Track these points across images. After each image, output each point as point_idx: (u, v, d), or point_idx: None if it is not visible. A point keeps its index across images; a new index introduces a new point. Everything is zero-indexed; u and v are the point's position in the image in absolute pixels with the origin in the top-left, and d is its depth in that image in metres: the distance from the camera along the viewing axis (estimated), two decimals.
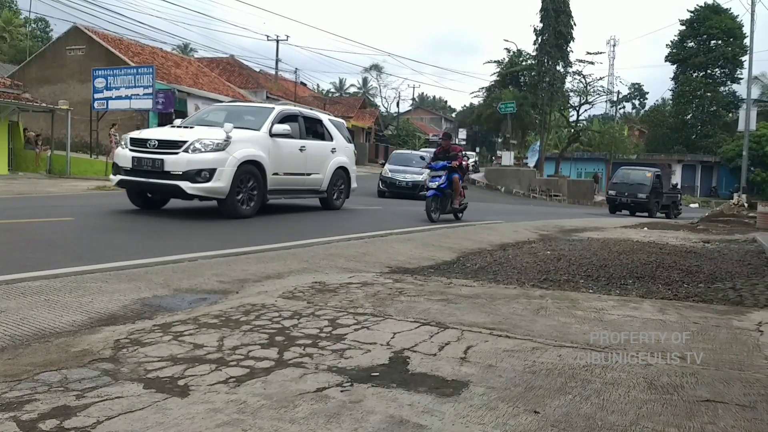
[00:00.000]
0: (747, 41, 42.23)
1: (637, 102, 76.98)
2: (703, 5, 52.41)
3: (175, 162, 8.58)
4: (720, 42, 51.56)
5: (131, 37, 32.98)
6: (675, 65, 54.19)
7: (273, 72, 43.17)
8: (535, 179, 34.41)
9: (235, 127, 9.10)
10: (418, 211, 12.22)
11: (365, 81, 75.19)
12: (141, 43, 31.65)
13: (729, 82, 52.99)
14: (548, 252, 7.59)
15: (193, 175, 8.54)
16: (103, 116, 23.93)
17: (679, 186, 33.71)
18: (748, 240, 10.53)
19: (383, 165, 24.61)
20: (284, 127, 9.83)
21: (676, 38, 54.17)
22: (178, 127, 10.35)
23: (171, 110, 25.25)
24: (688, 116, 53.33)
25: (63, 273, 4.70)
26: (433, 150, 14.16)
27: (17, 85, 23.98)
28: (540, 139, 41.42)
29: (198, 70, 34.15)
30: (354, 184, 12.47)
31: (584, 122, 48.24)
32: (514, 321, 3.89)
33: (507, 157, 37.61)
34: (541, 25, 36.76)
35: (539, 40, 36.97)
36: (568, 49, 37.59)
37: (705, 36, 52.23)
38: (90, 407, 2.28)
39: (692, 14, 52.79)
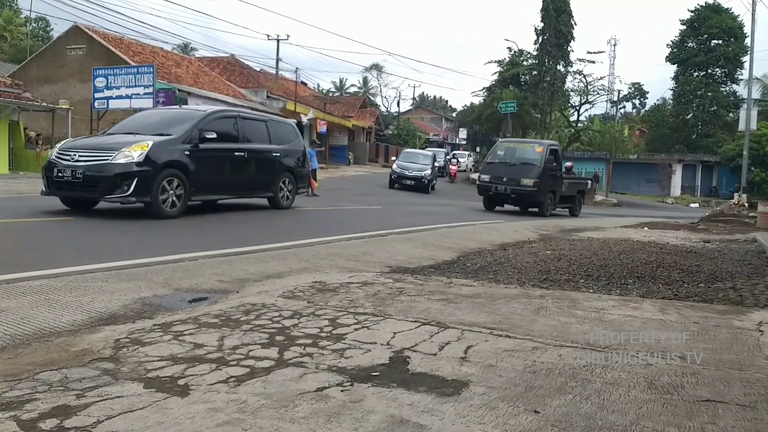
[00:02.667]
0: (747, 41, 42.26)
1: (637, 102, 76.97)
2: (703, 5, 52.37)
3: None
4: (720, 42, 51.52)
5: (132, 36, 32.96)
6: (675, 65, 54.15)
7: (273, 71, 43.16)
8: None
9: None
10: (423, 209, 12.22)
11: (366, 80, 75.24)
12: (141, 43, 31.63)
13: (729, 82, 52.94)
14: (548, 252, 7.58)
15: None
16: (103, 115, 23.93)
17: (595, 173, 29.53)
18: (748, 240, 10.52)
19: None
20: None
21: (676, 38, 54.15)
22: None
23: None
24: (689, 116, 53.29)
25: (63, 272, 4.70)
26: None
27: (18, 85, 23.97)
28: (540, 138, 41.42)
29: (198, 70, 34.15)
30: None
31: (585, 122, 48.27)
32: (515, 321, 3.89)
33: None
34: (541, 24, 36.78)
35: (540, 40, 36.99)
36: (569, 48, 37.62)
37: (705, 36, 52.18)
38: (90, 407, 2.28)
39: (693, 14, 52.76)
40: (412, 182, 25.66)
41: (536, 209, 16.39)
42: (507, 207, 17.25)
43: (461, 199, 23.91)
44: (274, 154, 11.13)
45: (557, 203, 17.05)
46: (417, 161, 27.27)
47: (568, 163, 21.64)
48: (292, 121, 13.29)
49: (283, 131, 11.72)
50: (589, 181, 21.60)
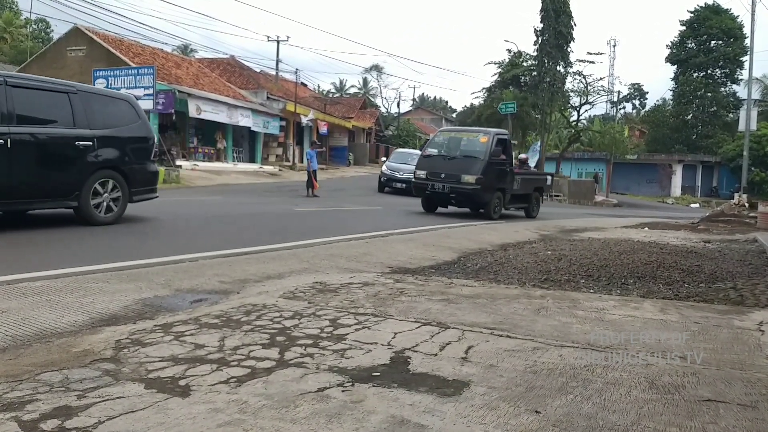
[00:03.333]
0: (747, 42, 42.28)
1: (637, 102, 76.94)
2: (703, 6, 52.41)
3: None
4: (720, 42, 51.55)
5: (132, 37, 32.95)
6: (675, 65, 54.18)
7: (273, 72, 43.16)
8: None
9: None
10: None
11: (366, 81, 75.22)
12: (141, 44, 31.64)
13: (729, 83, 52.96)
14: (549, 252, 7.58)
15: None
16: None
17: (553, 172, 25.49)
18: (748, 240, 10.52)
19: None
20: None
21: (676, 39, 54.18)
22: None
23: (171, 111, 25.27)
24: (689, 116, 53.31)
25: (64, 273, 4.70)
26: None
27: None
28: (540, 139, 41.37)
29: (198, 71, 34.16)
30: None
31: (585, 122, 48.24)
32: (515, 321, 3.89)
33: None
34: (541, 25, 36.73)
35: (539, 41, 36.94)
36: (569, 49, 37.56)
37: (705, 36, 52.21)
38: (91, 407, 2.28)
39: (692, 15, 52.79)
40: (404, 185, 21.51)
41: (482, 211, 13.61)
42: (512, 210, 15.57)
43: None
44: (79, 143, 7.58)
45: (509, 203, 14.38)
46: (410, 162, 22.53)
47: (522, 156, 18.92)
48: (128, 95, 9.61)
49: (105, 109, 8.14)
50: (549, 177, 17.46)
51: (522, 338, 3.47)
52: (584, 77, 40.36)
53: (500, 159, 13.47)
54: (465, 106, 75.90)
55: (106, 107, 8.21)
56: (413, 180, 14.20)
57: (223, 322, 3.57)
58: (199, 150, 29.84)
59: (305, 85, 48.69)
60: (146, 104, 22.05)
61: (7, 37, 48.15)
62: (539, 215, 16.00)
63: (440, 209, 14.26)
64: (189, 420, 2.19)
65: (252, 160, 33.82)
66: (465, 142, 13.98)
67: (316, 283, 4.91)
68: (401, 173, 23.02)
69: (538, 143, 42.49)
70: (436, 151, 14.09)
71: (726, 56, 50.82)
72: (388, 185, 23.60)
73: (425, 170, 13.58)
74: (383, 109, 68.64)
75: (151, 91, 21.80)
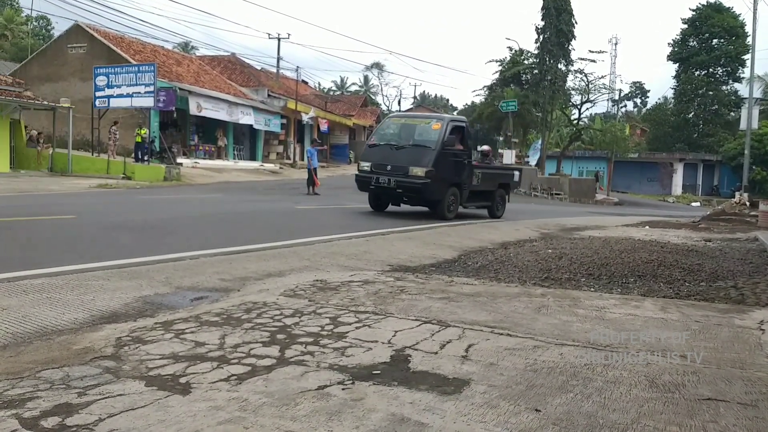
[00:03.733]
0: (749, 40, 42.13)
1: (638, 100, 76.83)
2: (705, 4, 52.30)
3: None
4: (722, 41, 51.44)
5: (133, 35, 32.92)
6: (677, 64, 54.10)
7: (274, 70, 43.13)
8: (536, 178, 34.37)
9: None
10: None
11: (367, 79, 75.14)
12: (142, 41, 31.62)
13: (731, 81, 52.85)
14: (549, 250, 7.58)
15: None
16: (104, 114, 23.93)
17: (528, 161, 23.67)
18: (749, 239, 10.51)
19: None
20: None
21: (677, 37, 54.09)
22: None
23: (172, 108, 25.26)
24: (690, 115, 53.23)
25: (65, 271, 4.71)
26: None
27: (19, 83, 23.98)
28: (541, 137, 41.36)
29: (199, 68, 34.15)
30: None
31: (586, 121, 48.21)
32: (516, 319, 3.89)
33: (508, 156, 37.58)
34: (542, 23, 36.70)
35: (541, 39, 36.92)
36: (570, 47, 37.53)
37: (707, 35, 52.11)
38: (92, 405, 2.28)
39: (694, 13, 52.70)
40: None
41: (435, 210, 11.79)
42: (512, 209, 14.45)
43: None
44: None
45: (468, 200, 12.48)
46: None
47: (485, 147, 16.63)
48: None
49: None
50: (516, 172, 15.07)
51: (522, 337, 3.47)
52: (585, 75, 40.35)
53: (456, 150, 11.70)
54: (466, 104, 75.80)
55: None
56: (356, 173, 12.41)
57: (223, 320, 3.57)
58: (200, 147, 29.85)
59: (306, 83, 48.65)
60: (147, 102, 22.08)
61: (8, 34, 48.14)
62: (520, 217, 14.12)
63: (393, 207, 12.61)
64: (189, 417, 2.20)
65: (253, 157, 33.82)
66: (415, 130, 12.01)
67: (317, 281, 4.91)
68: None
69: (539, 141, 42.47)
70: (383, 139, 12.18)
71: (728, 54, 50.73)
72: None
73: (370, 162, 11.86)
74: (384, 107, 68.54)
75: (151, 88, 21.78)
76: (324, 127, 38.06)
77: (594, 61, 45.38)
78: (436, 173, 11.08)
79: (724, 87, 52.81)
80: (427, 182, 10.99)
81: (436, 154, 11.16)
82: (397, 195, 11.84)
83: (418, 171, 11.06)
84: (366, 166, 11.94)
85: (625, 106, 72.20)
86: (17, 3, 54.58)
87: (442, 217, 11.41)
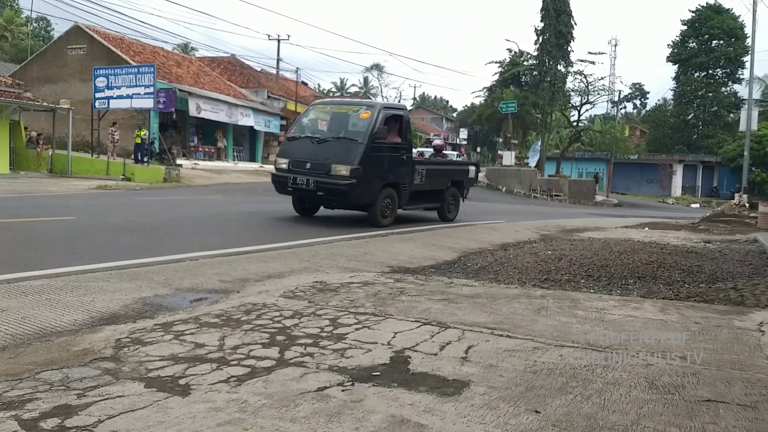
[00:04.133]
0: (748, 41, 42.20)
1: (638, 102, 76.92)
2: (704, 5, 52.35)
3: None
4: (721, 42, 51.49)
5: (132, 36, 32.97)
6: (676, 65, 54.14)
7: (274, 71, 43.14)
8: (536, 179, 34.40)
9: None
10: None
11: (366, 80, 75.19)
12: (142, 43, 31.63)
13: (730, 83, 52.89)
14: (549, 252, 7.58)
15: None
16: (104, 115, 23.94)
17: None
18: (749, 240, 10.52)
19: None
20: None
21: (677, 38, 54.14)
22: None
23: (172, 109, 25.26)
24: (690, 116, 53.27)
25: (64, 272, 4.71)
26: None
27: (19, 85, 23.98)
28: (541, 138, 41.36)
29: (199, 70, 34.16)
30: None
31: (585, 122, 48.20)
32: (515, 321, 3.89)
33: (508, 157, 37.58)
34: (542, 24, 36.71)
35: (540, 40, 36.93)
36: (569, 48, 37.54)
37: (706, 36, 52.16)
38: (91, 406, 2.28)
39: (694, 14, 52.76)
40: None
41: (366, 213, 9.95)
42: (512, 211, 14.26)
43: None
44: None
45: (410, 203, 10.66)
46: None
47: (438, 141, 13.86)
48: None
49: None
50: (471, 168, 12.81)
51: (522, 338, 3.47)
52: (585, 77, 40.32)
53: (391, 143, 9.88)
54: (466, 106, 75.94)
55: None
56: (273, 172, 10.44)
57: (223, 322, 3.57)
58: (200, 149, 29.86)
59: (306, 84, 48.66)
60: (146, 103, 22.07)
61: (7, 36, 48.17)
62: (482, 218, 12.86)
63: (326, 211, 10.83)
64: (189, 419, 2.20)
65: (252, 159, 33.84)
66: (341, 120, 10.18)
67: (317, 282, 4.91)
68: None
69: (539, 143, 42.48)
70: (304, 131, 10.21)
71: (727, 56, 50.77)
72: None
73: (287, 159, 9.96)
74: None
75: (151, 89, 21.78)
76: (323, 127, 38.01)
77: (593, 62, 45.54)
78: (365, 172, 9.22)
79: (723, 88, 52.86)
80: (353, 183, 9.11)
81: (364, 148, 9.28)
82: (319, 199, 9.99)
83: (342, 169, 9.18)
84: (283, 163, 9.98)
85: (625, 107, 72.31)
86: (17, 4, 54.61)
87: (375, 224, 9.58)
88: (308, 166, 9.52)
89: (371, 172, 9.39)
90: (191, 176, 22.51)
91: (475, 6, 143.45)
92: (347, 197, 9.42)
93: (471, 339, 3.40)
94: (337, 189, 9.24)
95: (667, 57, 54.91)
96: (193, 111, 27.35)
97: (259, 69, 43.25)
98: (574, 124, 43.77)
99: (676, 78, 54.15)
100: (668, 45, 55.31)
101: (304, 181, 9.46)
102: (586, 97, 41.85)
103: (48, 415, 2.19)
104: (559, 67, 37.42)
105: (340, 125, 10.05)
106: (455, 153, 50.84)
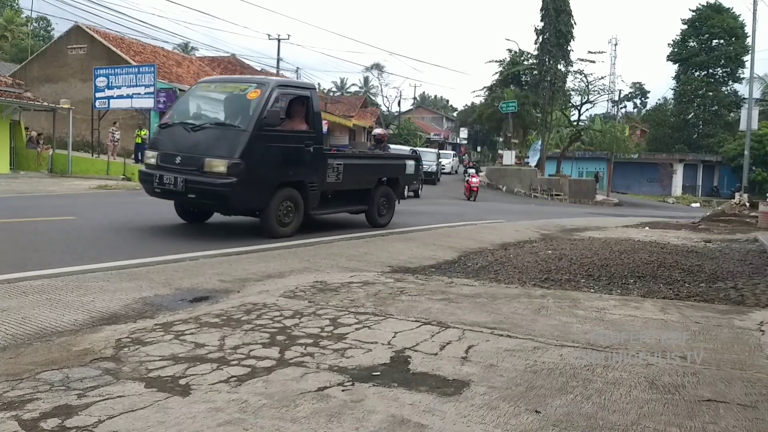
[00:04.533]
0: (749, 41, 42.17)
1: (638, 101, 76.84)
2: (705, 4, 52.31)
3: None
4: (722, 41, 51.45)
5: (133, 36, 33.00)
6: (677, 64, 54.12)
7: (274, 71, 43.15)
8: (536, 178, 34.40)
9: None
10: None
11: (366, 80, 75.24)
12: (142, 42, 31.63)
13: (731, 82, 52.86)
14: (549, 251, 7.58)
15: None
16: (104, 115, 23.93)
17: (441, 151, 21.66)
18: (749, 239, 10.51)
19: None
20: None
21: (677, 37, 54.12)
22: None
23: None
24: (690, 115, 53.25)
25: (65, 272, 4.71)
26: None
27: (19, 84, 23.98)
28: (541, 138, 41.35)
29: (199, 69, 34.13)
30: None
31: (586, 121, 48.18)
32: (516, 320, 3.89)
33: (508, 157, 37.58)
34: (541, 24, 36.70)
35: (540, 40, 36.91)
36: (569, 48, 37.52)
37: (707, 35, 52.13)
38: (91, 406, 2.28)
39: (694, 13, 52.73)
40: None
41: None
42: (512, 210, 13.86)
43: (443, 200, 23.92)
44: None
45: (324, 206, 8.56)
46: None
47: (378, 131, 12.35)
48: None
49: None
50: (410, 162, 10.57)
51: (522, 338, 3.47)
52: (585, 76, 40.31)
53: (291, 131, 7.79)
54: (466, 105, 75.91)
55: None
56: (141, 169, 8.28)
57: (223, 321, 3.57)
58: None
59: None
60: (147, 103, 22.06)
61: (8, 35, 48.14)
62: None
63: (220, 217, 8.61)
64: (189, 419, 2.20)
65: None
66: (224, 101, 8.15)
67: (317, 282, 4.91)
68: None
69: (539, 142, 42.47)
70: (180, 117, 8.09)
71: (727, 55, 50.74)
72: None
73: (156, 152, 7.87)
74: (384, 108, 68.65)
75: (151, 89, 21.77)
76: (324, 128, 38.07)
77: (593, 61, 45.46)
78: (250, 167, 7.09)
79: (723, 88, 52.84)
80: (232, 182, 7.01)
81: (248, 137, 7.11)
82: (192, 203, 7.98)
83: (218, 165, 7.08)
84: (151, 157, 7.90)
85: (625, 106, 72.23)
86: (17, 4, 54.61)
87: (270, 234, 7.46)
88: (178, 160, 7.39)
89: (260, 168, 7.25)
90: None
91: (475, 6, 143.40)
92: (226, 201, 7.30)
93: (471, 339, 3.40)
94: (212, 190, 7.14)
95: (668, 56, 54.89)
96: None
97: (259, 69, 43.26)
98: (575, 123, 43.76)
99: (677, 77, 54.13)
100: (668, 44, 55.32)
101: (171, 181, 7.31)
102: (586, 97, 41.85)
103: (48, 415, 2.19)
104: (559, 67, 37.41)
105: (222, 108, 8.04)
106: (451, 153, 50.79)
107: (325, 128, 38.76)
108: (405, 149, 21.97)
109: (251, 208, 7.76)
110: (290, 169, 7.75)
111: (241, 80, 9.30)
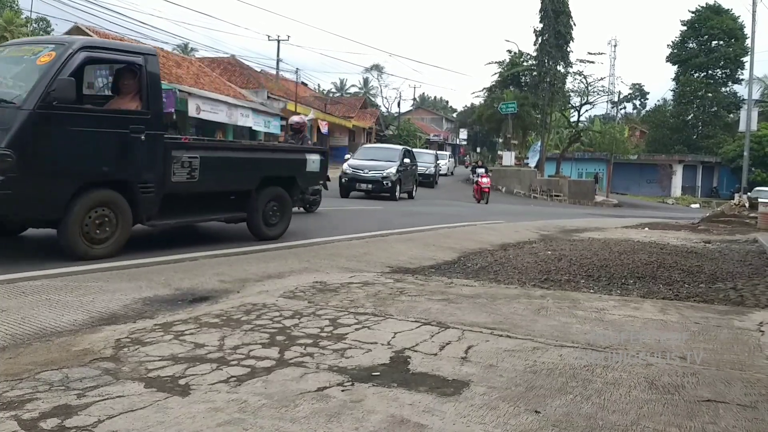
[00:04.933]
0: (748, 42, 42.21)
1: (638, 102, 76.91)
2: (704, 6, 52.39)
3: None
4: (721, 42, 51.52)
5: (132, 36, 32.99)
6: (676, 66, 54.18)
7: (274, 72, 43.15)
8: (535, 179, 34.42)
9: None
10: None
11: (366, 81, 75.28)
12: (142, 43, 31.65)
13: (730, 83, 52.95)
14: (549, 252, 7.58)
15: None
16: None
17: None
18: (749, 240, 10.51)
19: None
20: None
21: (677, 39, 54.18)
22: None
23: (172, 110, 25.23)
24: (689, 117, 53.29)
25: (64, 272, 4.70)
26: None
27: None
28: (541, 139, 41.39)
29: (199, 70, 34.14)
30: None
31: (585, 122, 48.24)
32: (515, 321, 3.89)
33: (508, 158, 37.61)
34: (540, 25, 36.74)
35: (539, 41, 36.95)
36: (569, 49, 37.56)
37: (706, 36, 52.20)
38: (91, 406, 2.28)
39: (693, 15, 52.79)
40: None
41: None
42: (512, 211, 14.60)
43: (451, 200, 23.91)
44: None
45: (173, 213, 6.43)
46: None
47: (296, 118, 11.02)
48: None
49: None
50: (312, 157, 8.02)
51: (522, 338, 3.47)
52: (585, 77, 40.38)
53: (104, 111, 6.01)
54: (465, 106, 75.94)
55: None
56: None
57: (223, 322, 3.57)
58: None
59: (306, 85, 48.70)
60: None
61: (7, 36, 48.09)
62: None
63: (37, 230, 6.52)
64: (189, 419, 2.20)
65: None
66: (7, 68, 5.94)
67: (317, 282, 4.91)
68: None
69: (539, 143, 42.51)
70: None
71: (727, 56, 50.81)
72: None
73: None
74: (383, 109, 68.68)
75: None
76: (324, 128, 38.08)
77: (593, 62, 45.59)
78: (27, 161, 5.03)
79: (723, 89, 52.91)
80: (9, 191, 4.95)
81: (25, 118, 5.05)
82: None
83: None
84: None
85: (625, 107, 72.31)
86: (17, 5, 54.64)
87: (71, 254, 5.36)
88: None
89: (45, 163, 5.23)
90: None
91: (475, 6, 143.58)
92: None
93: (471, 339, 3.40)
94: None
95: (667, 57, 54.96)
96: (192, 111, 27.34)
97: (259, 69, 43.26)
98: (574, 124, 43.80)
99: (676, 78, 54.18)
100: (668, 45, 55.39)
101: None
102: (585, 98, 41.92)
103: (48, 415, 2.19)
104: (558, 68, 37.45)
105: (1, 77, 5.91)
106: (447, 153, 50.61)
107: (325, 129, 38.92)
108: (397, 148, 21.99)
109: (38, 219, 5.71)
110: (105, 164, 5.69)
111: (40, 41, 6.99)
